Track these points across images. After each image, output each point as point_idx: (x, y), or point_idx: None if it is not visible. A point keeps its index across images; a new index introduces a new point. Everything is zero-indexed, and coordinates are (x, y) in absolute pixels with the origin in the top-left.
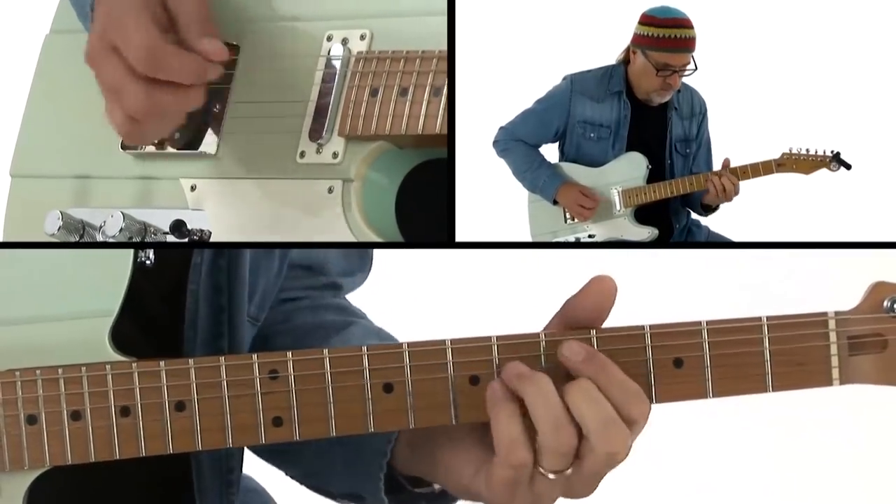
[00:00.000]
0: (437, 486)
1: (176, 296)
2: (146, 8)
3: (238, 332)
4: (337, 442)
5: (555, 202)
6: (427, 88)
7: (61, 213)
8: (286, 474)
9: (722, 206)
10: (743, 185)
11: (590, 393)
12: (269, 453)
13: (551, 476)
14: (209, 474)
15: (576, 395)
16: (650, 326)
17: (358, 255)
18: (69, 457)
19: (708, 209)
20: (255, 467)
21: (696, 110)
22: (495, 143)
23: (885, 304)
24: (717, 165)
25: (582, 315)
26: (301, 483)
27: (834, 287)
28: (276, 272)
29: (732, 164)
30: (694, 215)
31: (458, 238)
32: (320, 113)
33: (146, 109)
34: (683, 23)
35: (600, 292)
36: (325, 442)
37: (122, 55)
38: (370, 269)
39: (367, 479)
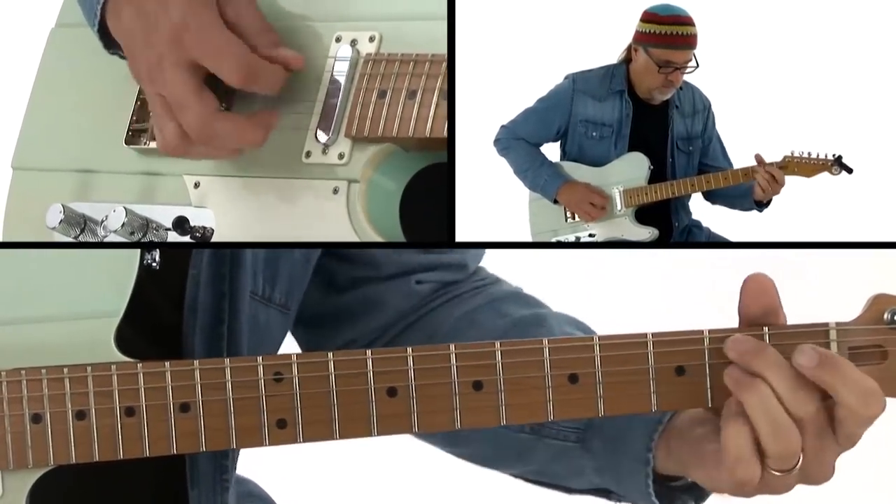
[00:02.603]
0: (689, 478)
1: (182, 293)
2: (223, 22)
3: (238, 318)
4: (583, 449)
5: (555, 201)
6: (436, 92)
7: (63, 206)
8: (503, 471)
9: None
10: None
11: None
12: (490, 457)
13: (778, 475)
14: (203, 460)
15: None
16: (652, 335)
17: None
18: (73, 456)
19: (761, 204)
20: (257, 471)
21: (699, 107)
22: (496, 142)
23: (885, 316)
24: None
25: (753, 317)
26: (524, 479)
27: (834, 288)
28: (303, 260)
29: (733, 167)
30: (695, 216)
31: (458, 238)
32: (327, 113)
33: (205, 131)
34: (685, 20)
35: (757, 291)
36: (568, 446)
37: (195, 70)
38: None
39: (624, 481)
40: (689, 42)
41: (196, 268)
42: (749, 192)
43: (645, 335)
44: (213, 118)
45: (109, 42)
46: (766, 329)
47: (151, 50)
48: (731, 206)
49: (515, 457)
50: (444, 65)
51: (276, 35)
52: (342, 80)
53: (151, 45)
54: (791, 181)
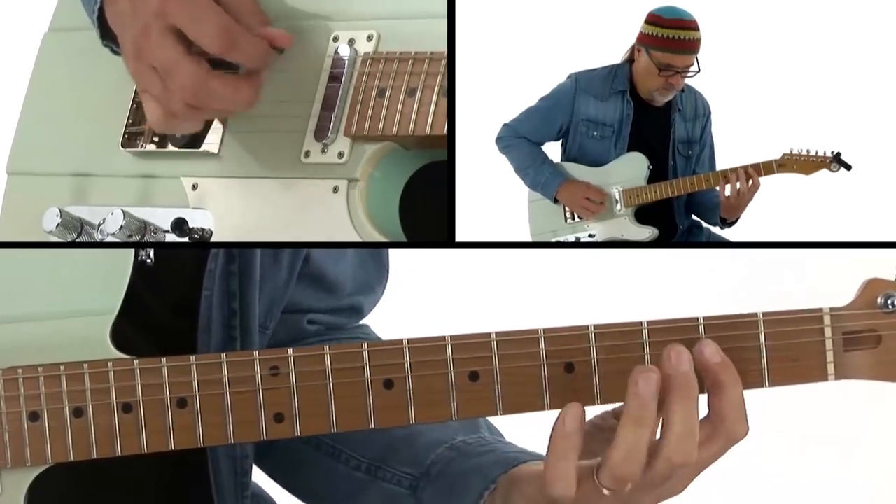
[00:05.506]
0: None
1: (179, 294)
2: None
3: (250, 336)
4: (415, 498)
5: (555, 200)
6: (436, 89)
7: (60, 210)
8: None
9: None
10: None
11: (690, 405)
12: (319, 495)
13: (606, 492)
14: (226, 475)
15: (676, 401)
16: (647, 323)
17: (374, 266)
18: (71, 454)
19: (725, 222)
20: (260, 472)
21: (700, 112)
22: (498, 140)
23: (878, 300)
24: (720, 166)
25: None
26: None
27: (834, 287)
28: (285, 281)
29: (734, 165)
30: (695, 216)
31: (458, 238)
32: (326, 113)
33: (201, 91)
34: (689, 24)
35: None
36: (401, 493)
37: (181, 37)
38: (387, 281)
39: None
40: (691, 47)
41: (209, 289)
42: (717, 207)
43: (640, 323)
44: (206, 77)
45: (105, 32)
46: (760, 314)
47: (138, 22)
48: (700, 215)
49: (345, 498)
50: (444, 62)
51: (266, 16)
52: (340, 79)
53: (139, 18)
54: (790, 179)
